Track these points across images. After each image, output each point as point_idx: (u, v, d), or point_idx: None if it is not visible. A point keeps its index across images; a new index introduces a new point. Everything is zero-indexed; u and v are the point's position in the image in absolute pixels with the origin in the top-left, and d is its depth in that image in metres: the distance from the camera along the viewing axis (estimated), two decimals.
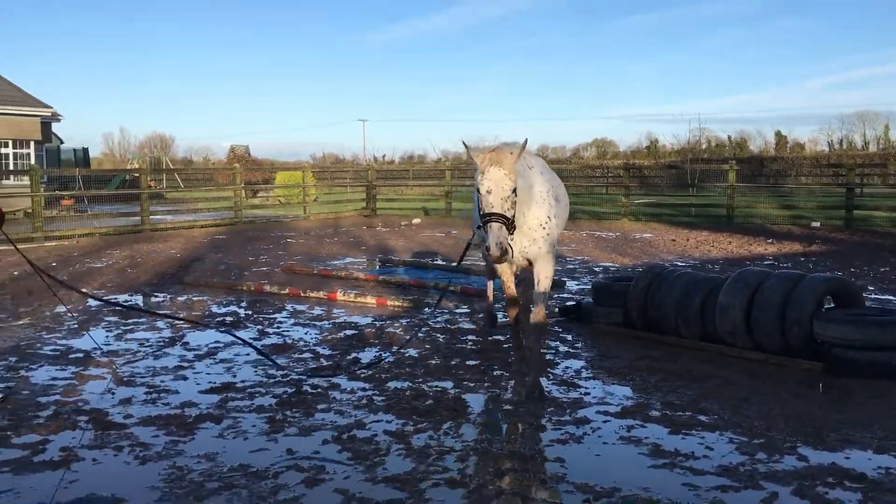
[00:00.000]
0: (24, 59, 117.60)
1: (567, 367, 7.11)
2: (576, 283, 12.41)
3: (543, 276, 6.29)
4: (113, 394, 6.32)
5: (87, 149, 46.52)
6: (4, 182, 28.92)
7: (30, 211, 20.71)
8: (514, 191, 5.64)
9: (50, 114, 32.61)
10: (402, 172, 54.54)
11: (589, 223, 24.18)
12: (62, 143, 42.44)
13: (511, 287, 6.68)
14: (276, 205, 34.22)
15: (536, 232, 6.10)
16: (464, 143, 6.09)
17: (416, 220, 25.55)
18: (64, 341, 8.22)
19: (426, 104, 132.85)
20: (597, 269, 14.14)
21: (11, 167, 29.76)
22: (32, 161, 29.73)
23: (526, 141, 5.88)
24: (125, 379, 6.75)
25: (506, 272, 6.57)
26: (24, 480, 4.57)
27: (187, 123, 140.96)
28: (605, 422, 5.61)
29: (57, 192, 23.62)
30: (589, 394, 6.31)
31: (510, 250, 5.65)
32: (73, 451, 5.01)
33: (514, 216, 5.63)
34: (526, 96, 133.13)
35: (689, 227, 22.24)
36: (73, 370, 7.05)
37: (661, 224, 23.55)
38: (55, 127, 37.30)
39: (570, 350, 7.85)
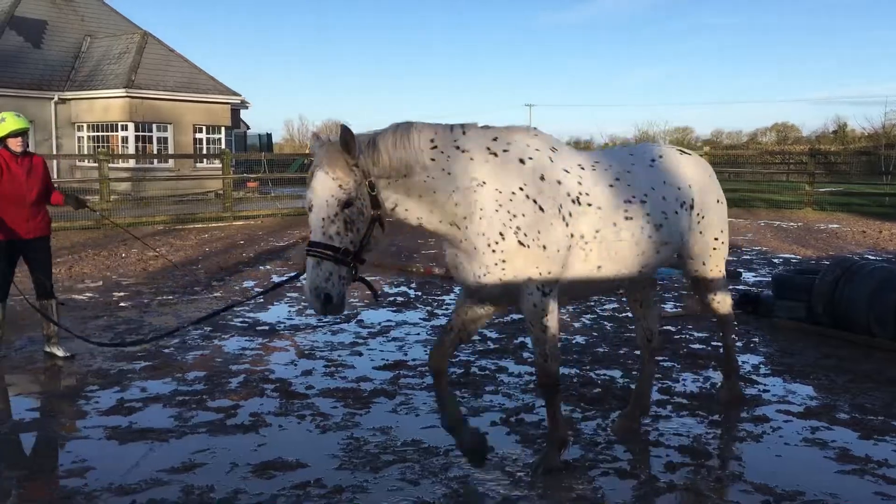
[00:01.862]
0: (215, 47, 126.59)
1: (743, 363, 6.80)
2: (752, 274, 11.83)
3: (533, 332, 4.28)
4: (296, 365, 6.71)
5: (270, 134, 49.39)
6: (198, 165, 31.33)
7: (220, 192, 22.30)
8: (350, 206, 3.75)
9: (239, 101, 34.85)
10: None
11: (767, 212, 22.93)
12: (248, 128, 45.29)
13: (439, 343, 4.53)
14: None
15: (486, 256, 4.06)
16: (343, 126, 3.78)
17: None
18: (252, 314, 8.80)
19: (594, 88, 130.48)
20: (776, 260, 13.40)
21: (205, 151, 32.14)
22: (223, 146, 31.97)
23: (450, 126, 4.13)
24: (306, 352, 7.15)
25: (459, 309, 4.52)
26: (218, 441, 4.96)
27: (361, 110, 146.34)
28: (786, 421, 5.33)
29: (244, 174, 25.22)
30: (768, 391, 6.01)
31: (334, 297, 3.73)
32: (261, 417, 5.37)
33: (359, 245, 3.82)
34: (702, 78, 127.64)
35: (881, 219, 20.55)
36: (260, 341, 7.55)
37: (849, 214, 21.92)
38: (243, 114, 39.87)
39: (747, 345, 7.50)
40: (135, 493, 4.16)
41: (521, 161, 4.14)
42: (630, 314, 8.73)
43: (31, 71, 30.11)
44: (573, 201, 4.23)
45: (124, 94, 29.53)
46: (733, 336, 5.60)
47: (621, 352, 7.15)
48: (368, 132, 4.01)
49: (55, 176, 27.53)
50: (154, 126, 30.64)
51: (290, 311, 9.02)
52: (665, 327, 8.04)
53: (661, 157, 4.88)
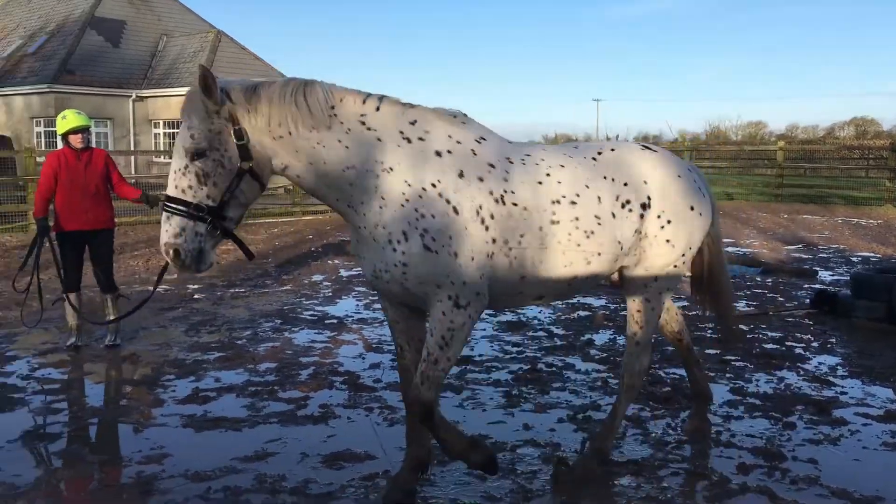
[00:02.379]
0: (284, 43, 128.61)
1: (820, 364, 6.61)
2: (829, 273, 11.47)
3: (428, 344, 3.75)
4: (364, 358, 6.80)
5: None
6: None
7: (289, 188, 22.66)
8: (203, 157, 3.45)
9: None
10: None
11: (845, 209, 22.20)
12: None
13: (399, 348, 4.19)
14: None
15: (387, 253, 3.64)
16: (202, 66, 3.48)
17: None
18: (321, 307, 8.95)
19: (664, 83, 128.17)
20: (854, 259, 12.96)
21: None
22: None
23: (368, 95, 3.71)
24: (373, 346, 7.23)
25: (393, 324, 4.13)
26: (289, 431, 5.06)
27: (426, 101, 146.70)
28: (864, 425, 5.16)
29: None
30: (846, 393, 5.82)
31: (206, 256, 3.54)
32: (330, 409, 5.46)
33: (219, 200, 3.48)
34: (776, 71, 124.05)
35: None
36: (329, 334, 7.67)
37: None
38: None
39: (824, 345, 7.28)
40: (210, 479, 4.28)
41: (438, 153, 3.67)
42: (700, 311, 8.59)
43: (111, 70, 31.15)
44: (496, 201, 3.70)
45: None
46: (628, 393, 4.41)
47: None
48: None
49: (132, 172, 28.47)
50: None
51: (357, 305, 9.14)
52: (738, 326, 7.86)
53: (612, 150, 4.20)
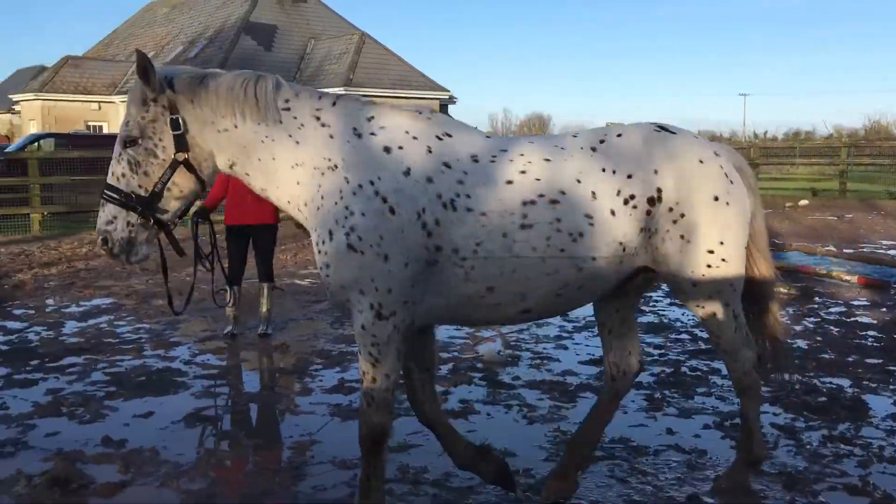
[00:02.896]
0: (425, 44, 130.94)
1: None
2: None
3: (360, 363, 3.52)
4: (502, 356, 6.83)
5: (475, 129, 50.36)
6: None
7: None
8: (133, 145, 3.36)
9: (447, 97, 35.91)
10: (786, 150, 50.49)
11: None
12: None
13: None
14: None
15: (317, 256, 3.45)
16: (138, 51, 3.31)
17: (803, 202, 23.56)
18: None
19: (817, 76, 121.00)
20: None
21: None
22: None
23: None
24: (512, 343, 7.24)
25: None
26: None
27: (564, 102, 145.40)
28: None
29: None
30: None
31: (139, 248, 3.45)
32: (470, 404, 5.52)
33: (145, 191, 3.37)
34: None
35: None
36: (467, 331, 7.74)
37: None
38: (450, 109, 40.96)
39: None
40: (355, 468, 4.42)
41: (387, 149, 3.36)
42: (860, 319, 8.08)
43: (262, 72, 32.73)
44: (444, 205, 3.32)
45: (343, 93, 31.22)
46: (756, 405, 4.06)
47: (850, 359, 6.60)
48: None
49: None
50: None
51: None
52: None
53: (618, 136, 3.66)
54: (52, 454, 4.63)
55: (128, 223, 3.38)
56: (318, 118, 3.44)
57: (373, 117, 3.47)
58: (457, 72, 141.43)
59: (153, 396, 5.76)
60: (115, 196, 3.36)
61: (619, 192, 3.49)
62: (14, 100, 37.51)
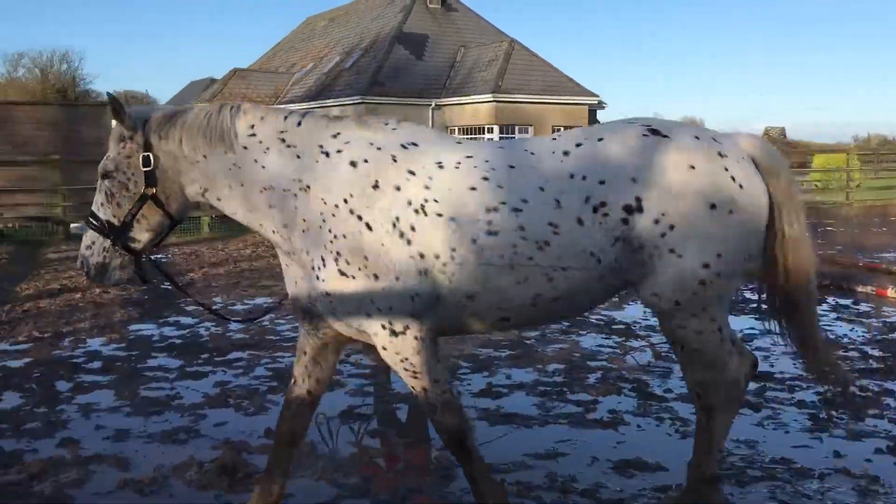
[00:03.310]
0: (574, 49, 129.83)
1: None
2: None
3: (405, 381, 3.55)
4: (653, 367, 6.66)
5: None
6: None
7: None
8: (109, 178, 3.53)
9: (596, 101, 35.41)
10: None
11: None
12: None
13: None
14: (812, 190, 32.01)
15: (314, 282, 3.42)
16: (110, 95, 3.55)
17: None
18: (607, 312, 8.90)
19: None
20: None
21: None
22: None
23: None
24: (663, 354, 7.04)
25: (299, 352, 3.81)
26: (579, 434, 5.11)
27: (719, 105, 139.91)
28: None
29: None
30: None
31: (112, 273, 3.59)
32: (619, 415, 5.42)
33: (117, 221, 3.52)
34: None
35: None
36: (616, 340, 7.61)
37: None
38: (599, 114, 40.42)
39: None
40: (503, 473, 4.44)
41: (353, 164, 3.35)
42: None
43: (413, 81, 33.54)
44: (416, 211, 3.27)
45: (491, 99, 31.61)
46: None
47: None
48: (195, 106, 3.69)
49: None
50: (516, 128, 32.36)
51: (646, 312, 8.96)
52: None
53: (599, 139, 3.46)
54: (220, 443, 4.95)
55: (103, 248, 3.56)
56: (283, 140, 3.46)
57: (338, 133, 3.46)
58: (607, 76, 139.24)
59: None
60: (94, 223, 3.57)
61: (587, 200, 3.30)
62: None
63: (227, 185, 3.51)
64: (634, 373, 6.46)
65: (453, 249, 3.26)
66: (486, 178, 3.33)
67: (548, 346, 7.39)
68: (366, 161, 3.36)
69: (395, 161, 3.37)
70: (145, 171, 3.50)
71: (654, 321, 8.40)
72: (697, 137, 3.44)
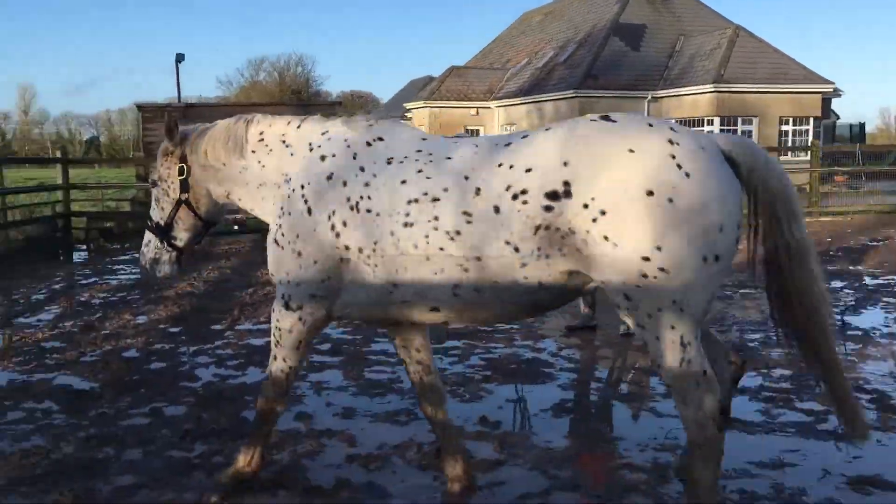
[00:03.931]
0: (806, 34, 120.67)
1: None
2: None
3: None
4: (894, 377, 6.08)
5: (863, 124, 45.26)
6: (782, 158, 30.39)
7: (804, 187, 21.30)
8: (156, 185, 4.23)
9: (831, 90, 32.76)
10: None
11: None
12: (838, 118, 42.24)
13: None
14: None
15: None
16: (168, 113, 3.89)
17: None
18: (841, 317, 8.24)
19: None
20: None
21: (790, 143, 31.04)
22: (811, 138, 30.42)
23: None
24: None
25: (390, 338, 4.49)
26: (808, 445, 4.79)
27: None
28: None
29: (834, 167, 23.63)
30: None
31: (162, 266, 4.26)
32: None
33: (163, 222, 4.20)
34: None
35: None
36: (852, 347, 7.03)
37: None
38: (834, 103, 37.36)
39: None
40: (726, 479, 4.23)
41: (322, 158, 3.75)
42: None
43: (629, 73, 32.80)
44: (351, 208, 3.55)
45: (712, 90, 30.21)
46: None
47: None
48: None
49: None
50: (739, 119, 30.73)
51: (886, 318, 8.20)
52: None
53: (546, 129, 3.37)
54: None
55: (155, 246, 4.24)
56: (283, 141, 3.94)
57: (326, 131, 3.86)
58: (844, 62, 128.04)
59: (524, 384, 6.12)
60: (149, 223, 4.26)
61: (508, 188, 3.23)
62: (406, 107, 42.16)
63: (241, 186, 4.08)
64: (873, 383, 5.93)
65: (375, 242, 3.49)
66: (420, 171, 3.48)
67: (773, 349, 6.96)
68: (333, 156, 3.73)
69: (354, 158, 3.68)
70: (180, 180, 4.15)
71: (895, 328, 7.68)
72: (650, 125, 3.21)
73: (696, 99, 31.10)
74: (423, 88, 43.99)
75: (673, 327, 3.11)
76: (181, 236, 4.26)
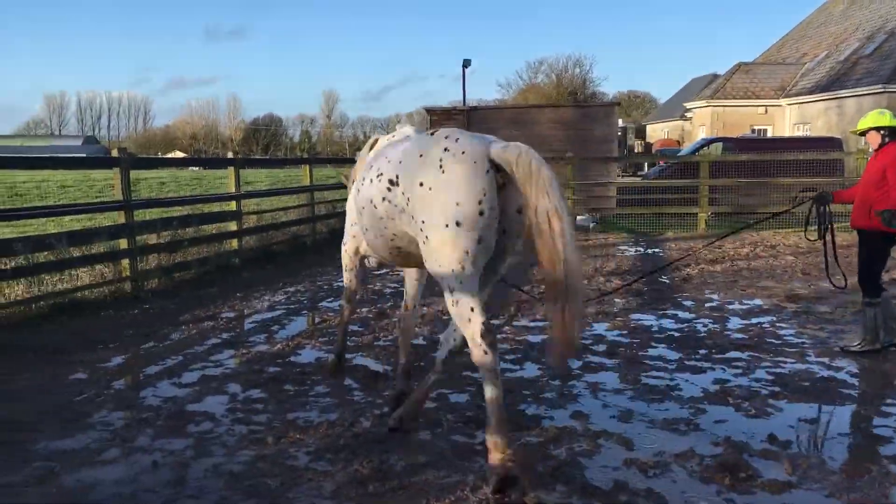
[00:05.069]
0: None
1: None
2: None
3: None
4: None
5: None
6: None
7: None
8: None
9: None
10: None
11: None
12: None
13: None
14: None
15: None
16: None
17: None
18: None
19: None
20: None
21: None
22: None
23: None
24: None
25: None
26: None
27: None
28: None
29: None
30: None
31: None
32: None
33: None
34: None
35: None
36: None
37: None
38: None
39: None
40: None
41: (370, 164, 5.14)
42: None
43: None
44: (372, 200, 4.87)
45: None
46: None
47: None
48: None
49: None
50: None
51: None
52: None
53: (419, 132, 5.20)
54: (720, 440, 4.91)
55: None
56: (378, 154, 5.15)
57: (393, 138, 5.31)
58: None
59: (818, 403, 5.65)
60: None
61: (381, 177, 4.67)
62: (687, 107, 40.64)
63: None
64: None
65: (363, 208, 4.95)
66: (381, 165, 4.74)
67: None
68: (375, 158, 5.00)
69: (377, 158, 4.95)
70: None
71: None
72: (447, 137, 4.32)
73: None
74: (706, 86, 42.11)
75: (450, 290, 4.22)
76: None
